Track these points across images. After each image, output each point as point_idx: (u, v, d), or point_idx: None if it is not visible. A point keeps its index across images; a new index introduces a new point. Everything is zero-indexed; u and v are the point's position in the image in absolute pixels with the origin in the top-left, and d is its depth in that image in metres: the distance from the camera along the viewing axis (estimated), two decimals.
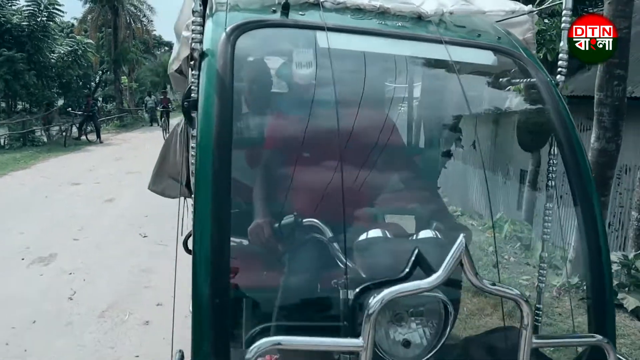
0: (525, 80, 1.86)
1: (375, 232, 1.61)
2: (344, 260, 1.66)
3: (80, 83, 25.30)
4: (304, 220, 1.82)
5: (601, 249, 1.57)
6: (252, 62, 1.79)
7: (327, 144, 1.83)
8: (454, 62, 1.72)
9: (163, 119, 19.64)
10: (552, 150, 1.83)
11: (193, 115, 1.52)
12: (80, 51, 19.56)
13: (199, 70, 1.51)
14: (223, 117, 1.38)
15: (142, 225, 7.12)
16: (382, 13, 1.85)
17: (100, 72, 29.63)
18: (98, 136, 18.28)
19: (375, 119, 2.04)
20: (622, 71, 4.38)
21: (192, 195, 2.74)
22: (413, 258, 1.52)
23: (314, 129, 1.77)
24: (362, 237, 1.61)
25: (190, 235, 3.12)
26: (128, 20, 28.87)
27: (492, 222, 5.20)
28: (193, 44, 1.50)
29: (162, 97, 21.86)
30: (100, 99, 29.09)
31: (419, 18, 1.90)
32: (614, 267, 5.59)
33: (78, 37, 21.04)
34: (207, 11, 1.67)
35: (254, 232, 1.87)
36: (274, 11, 1.69)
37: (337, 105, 1.58)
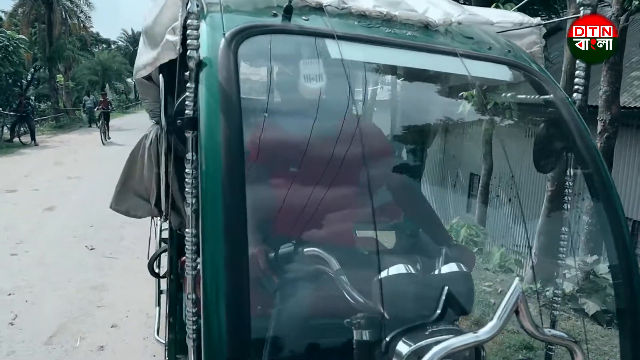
0: (540, 97, 1.76)
1: (397, 269, 1.44)
2: (359, 297, 1.49)
3: (10, 81, 23.68)
4: (305, 249, 1.63)
5: (633, 279, 1.47)
6: (257, 73, 1.58)
7: (336, 164, 1.66)
8: (473, 77, 1.59)
9: (101, 121, 18.29)
10: (569, 171, 1.75)
11: (188, 135, 1.30)
12: (12, 47, 18.28)
13: (196, 82, 1.29)
14: (233, 138, 1.16)
15: (88, 236, 6.64)
16: (388, 20, 1.69)
17: (33, 69, 27.88)
18: (33, 138, 17.11)
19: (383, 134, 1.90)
20: (584, 81, 4.46)
21: (163, 216, 2.50)
22: (444, 298, 1.39)
23: (322, 147, 1.58)
24: (383, 274, 1.43)
25: (156, 258, 2.86)
26: (64, 16, 27.32)
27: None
28: (189, 51, 1.27)
29: (101, 99, 20.47)
30: (33, 97, 27.38)
31: (426, 27, 1.76)
32: (572, 272, 5.75)
33: (9, 32, 19.64)
34: None
35: None
36: (275, 15, 1.49)
37: (354, 121, 1.41)
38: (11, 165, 12.57)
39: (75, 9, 28.65)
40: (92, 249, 6.15)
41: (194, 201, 1.31)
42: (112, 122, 19.62)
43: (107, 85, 39.45)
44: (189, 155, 1.30)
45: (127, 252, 6.13)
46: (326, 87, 1.55)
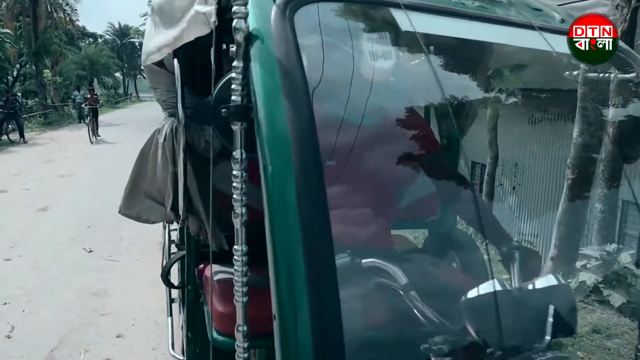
0: (625, 75, 1.51)
1: (490, 285, 1.19)
2: (436, 317, 1.24)
3: None
4: (364, 261, 1.38)
5: None
6: (315, 49, 1.31)
7: (392, 161, 1.40)
8: (558, 53, 1.33)
9: (89, 117, 17.14)
10: None
11: (235, 127, 1.03)
12: None
13: (246, 59, 1.01)
14: (305, 129, 0.90)
15: (84, 237, 6.33)
16: None
17: (19, 65, 27.22)
18: (21, 135, 16.62)
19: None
20: None
21: (180, 220, 2.22)
22: (551, 319, 1.14)
23: (381, 139, 1.32)
24: (473, 293, 1.18)
25: (171, 266, 2.58)
26: (49, 9, 26.63)
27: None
28: (236, 21, 1.00)
29: (89, 94, 19.25)
30: (20, 94, 26.76)
31: None
32: (593, 262, 5.55)
33: None
34: None
35: None
36: None
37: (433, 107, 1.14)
38: (0, 164, 12.16)
39: (61, 1, 27.98)
40: (90, 251, 5.85)
41: (243, 210, 1.05)
42: (101, 117, 19.09)
43: (95, 80, 38.80)
44: (236, 153, 1.03)
45: (127, 253, 5.85)
46: (396, 66, 1.28)
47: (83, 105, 19.69)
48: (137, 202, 2.24)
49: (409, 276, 1.34)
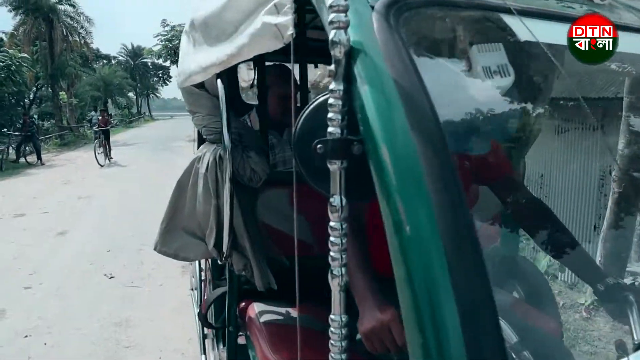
0: None
1: None
2: None
3: (13, 100, 23.36)
4: None
5: None
6: (423, 64, 1.09)
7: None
8: None
9: (97, 140, 15.97)
10: None
11: (333, 167, 0.81)
12: (14, 66, 17.93)
13: (349, 81, 0.80)
14: (444, 170, 0.68)
15: (105, 262, 6.13)
16: None
17: (35, 88, 27.53)
18: (39, 157, 16.69)
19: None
20: None
21: (224, 257, 2.01)
22: None
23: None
24: None
25: (210, 305, 2.36)
26: (65, 33, 26.97)
27: None
28: (334, 32, 0.78)
29: (100, 115, 18.21)
30: (36, 116, 27.04)
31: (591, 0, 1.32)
32: None
33: (11, 51, 19.29)
34: None
35: (374, 334, 1.17)
36: None
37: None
38: (18, 186, 12.11)
39: (76, 25, 28.31)
40: (111, 277, 5.65)
41: (343, 271, 0.83)
42: (116, 137, 19.07)
43: (109, 100, 39.20)
44: (335, 200, 0.81)
45: (149, 278, 5.64)
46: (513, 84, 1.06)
47: (94, 128, 19.23)
48: (175, 239, 2.03)
49: (521, 336, 1.12)
